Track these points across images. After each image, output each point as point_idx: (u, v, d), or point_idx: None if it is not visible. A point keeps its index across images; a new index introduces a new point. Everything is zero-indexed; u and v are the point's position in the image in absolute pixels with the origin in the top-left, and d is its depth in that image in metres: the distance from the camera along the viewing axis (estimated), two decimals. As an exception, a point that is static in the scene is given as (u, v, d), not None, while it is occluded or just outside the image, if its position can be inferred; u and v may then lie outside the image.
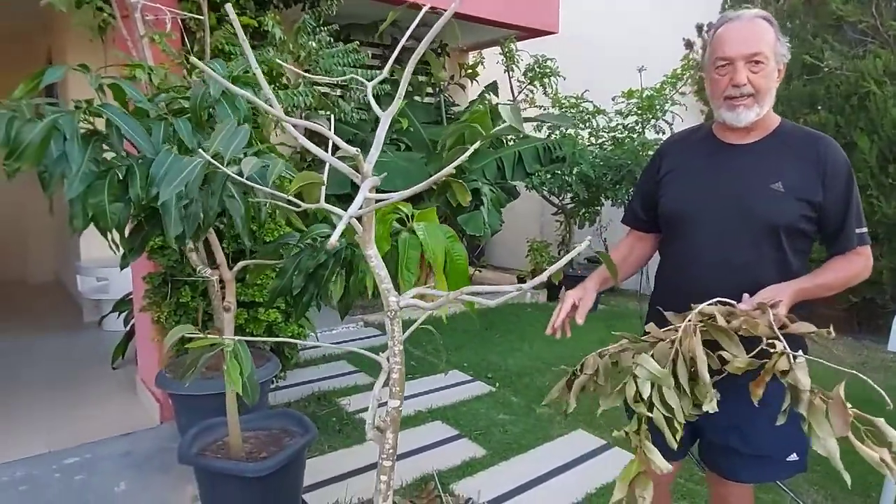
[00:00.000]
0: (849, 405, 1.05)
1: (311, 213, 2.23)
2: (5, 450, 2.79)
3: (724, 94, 1.50)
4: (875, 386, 1.06)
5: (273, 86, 1.89)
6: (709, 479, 1.79)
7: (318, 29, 2.88)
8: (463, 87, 6.29)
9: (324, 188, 1.41)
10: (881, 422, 1.02)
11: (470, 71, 5.93)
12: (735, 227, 1.53)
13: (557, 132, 5.52)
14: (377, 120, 1.21)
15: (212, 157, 1.34)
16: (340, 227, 1.02)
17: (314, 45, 2.72)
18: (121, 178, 1.63)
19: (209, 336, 1.35)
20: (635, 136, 5.58)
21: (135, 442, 2.91)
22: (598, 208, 5.90)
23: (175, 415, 2.79)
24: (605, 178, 5.42)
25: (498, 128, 1.12)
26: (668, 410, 1.18)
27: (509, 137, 5.43)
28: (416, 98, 5.58)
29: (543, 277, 1.21)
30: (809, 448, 1.51)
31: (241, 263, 2.00)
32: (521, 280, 6.63)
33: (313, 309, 2.10)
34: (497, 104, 5.69)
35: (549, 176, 5.39)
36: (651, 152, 5.43)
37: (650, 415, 1.19)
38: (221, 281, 2.69)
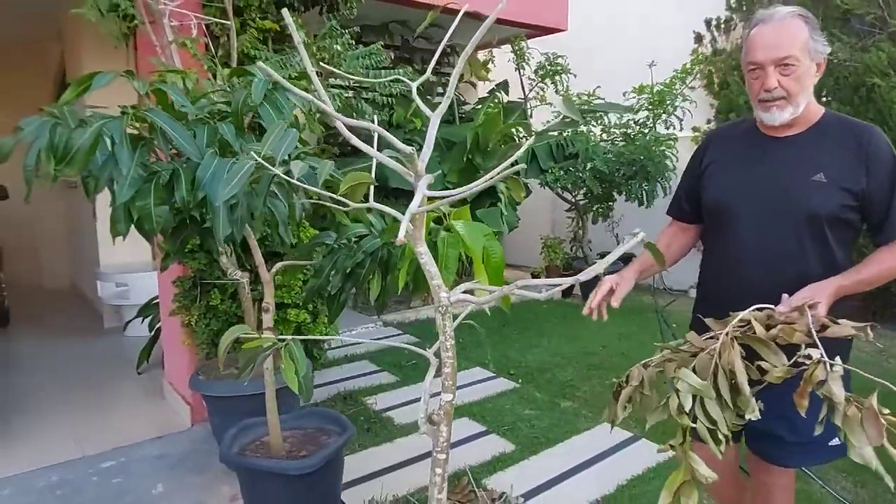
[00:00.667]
0: (886, 410, 1.05)
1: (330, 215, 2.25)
2: (38, 455, 2.83)
3: (758, 96, 1.53)
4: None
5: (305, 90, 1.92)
6: (752, 467, 1.80)
7: (341, 32, 2.91)
8: (474, 85, 6.31)
9: (372, 188, 1.43)
10: None
11: (475, 72, 5.95)
12: (777, 218, 1.54)
13: (569, 129, 5.53)
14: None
15: (262, 160, 1.36)
16: (405, 224, 1.04)
17: (339, 47, 2.75)
18: (165, 181, 1.66)
19: (265, 336, 1.37)
20: (647, 131, 5.59)
21: (168, 445, 2.94)
22: (611, 203, 5.91)
23: (209, 416, 2.82)
24: (617, 173, 5.43)
25: (556, 121, 1.14)
26: (711, 423, 1.19)
27: (521, 135, 5.45)
28: (428, 97, 5.61)
29: (598, 269, 1.23)
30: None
31: (279, 265, 2.03)
32: (536, 277, 6.65)
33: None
34: (508, 102, 5.71)
35: (562, 172, 5.40)
36: (663, 147, 5.44)
37: (694, 425, 1.19)
38: (251, 283, 2.73)
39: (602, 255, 6.56)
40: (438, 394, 1.40)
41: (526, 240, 7.23)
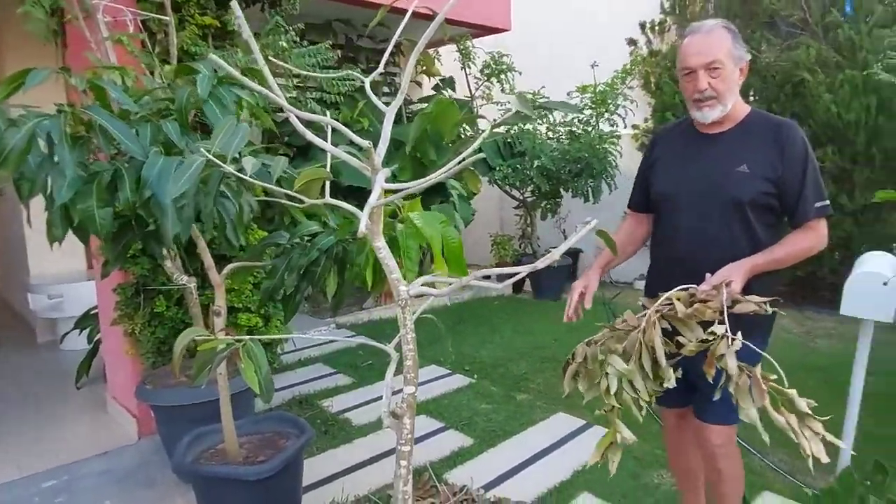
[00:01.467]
0: (773, 376, 1.23)
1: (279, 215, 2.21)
2: (-28, 478, 2.66)
3: (692, 97, 1.73)
4: (774, 363, 1.25)
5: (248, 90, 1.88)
6: (697, 435, 1.91)
7: (286, 29, 2.85)
8: (419, 84, 6.31)
9: (328, 184, 1.42)
10: (793, 392, 1.19)
11: (425, 69, 5.95)
12: (709, 206, 1.74)
13: (516, 127, 5.61)
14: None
15: (212, 157, 1.32)
16: (365, 217, 1.04)
17: (284, 44, 2.70)
18: (107, 182, 1.60)
19: (221, 337, 1.34)
20: (590, 129, 5.73)
21: (113, 460, 2.81)
22: (559, 200, 6.03)
23: (158, 427, 2.72)
24: (564, 170, 5.55)
25: (509, 114, 1.16)
26: (634, 392, 1.39)
27: (469, 133, 5.49)
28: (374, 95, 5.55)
29: (554, 256, 1.26)
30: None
31: (230, 266, 1.97)
32: (486, 275, 6.70)
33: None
34: (454, 99, 5.73)
35: (510, 170, 5.47)
36: (607, 144, 5.60)
37: (618, 405, 1.39)
38: (198, 287, 2.65)
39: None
40: (400, 390, 1.39)
41: (475, 238, 7.29)
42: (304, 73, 1.27)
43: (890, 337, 4.69)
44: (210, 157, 1.29)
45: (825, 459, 1.08)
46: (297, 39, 3.00)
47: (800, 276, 5.39)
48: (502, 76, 5.56)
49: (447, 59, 5.83)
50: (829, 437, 1.10)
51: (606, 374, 1.41)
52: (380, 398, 3.52)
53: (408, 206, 1.85)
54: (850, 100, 4.89)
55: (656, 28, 6.44)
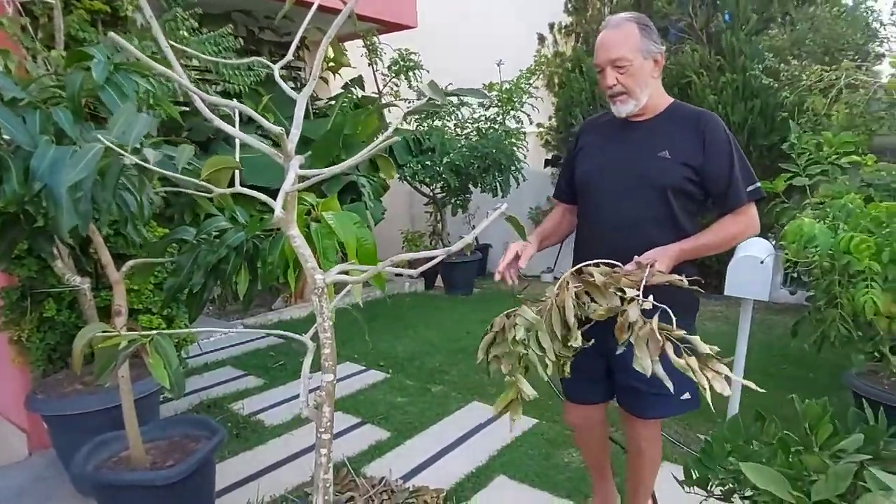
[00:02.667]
0: (675, 330, 1.30)
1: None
2: None
3: (606, 93, 1.76)
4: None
5: (147, 77, 1.78)
6: (622, 419, 2.03)
7: (185, 16, 2.73)
8: (326, 80, 6.22)
9: (238, 173, 1.39)
10: (696, 339, 1.28)
11: (332, 64, 5.88)
12: (631, 190, 1.76)
13: (425, 124, 5.68)
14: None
15: (111, 145, 1.26)
16: (280, 202, 1.04)
17: (185, 32, 2.57)
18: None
19: (125, 333, 1.28)
20: (497, 126, 5.90)
21: (1, 478, 2.58)
22: (468, 196, 6.16)
23: (52, 440, 2.53)
24: (472, 166, 5.68)
25: (419, 103, 1.20)
26: (541, 350, 1.43)
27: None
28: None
29: (467, 239, 1.32)
30: (699, 388, 1.79)
31: (130, 263, 1.88)
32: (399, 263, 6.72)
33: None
34: (363, 96, 5.70)
35: (420, 167, 5.53)
36: (513, 141, 5.79)
37: (524, 351, 1.43)
38: (93, 289, 2.49)
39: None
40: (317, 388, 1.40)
41: (387, 235, 7.29)
42: (209, 59, 1.24)
43: (766, 317, 5.20)
44: (109, 144, 1.23)
45: (728, 392, 1.18)
46: (196, 27, 2.88)
47: (709, 268, 5.82)
48: (410, 74, 5.60)
49: (354, 56, 5.79)
50: (732, 375, 1.20)
51: (515, 324, 1.45)
52: (294, 398, 3.48)
53: (322, 204, 1.84)
54: (732, 101, 5.34)
55: (562, 30, 6.72)
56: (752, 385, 1.11)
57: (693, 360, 1.21)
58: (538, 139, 6.69)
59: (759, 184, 1.77)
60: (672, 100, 1.83)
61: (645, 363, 1.27)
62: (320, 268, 1.74)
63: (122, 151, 1.23)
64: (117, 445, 2.05)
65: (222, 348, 4.37)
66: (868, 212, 1.89)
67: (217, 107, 1.26)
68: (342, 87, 5.80)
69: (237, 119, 1.28)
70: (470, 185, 6.01)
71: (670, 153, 1.72)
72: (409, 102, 6.01)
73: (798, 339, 2.48)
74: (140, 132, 1.31)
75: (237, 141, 1.31)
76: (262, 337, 4.68)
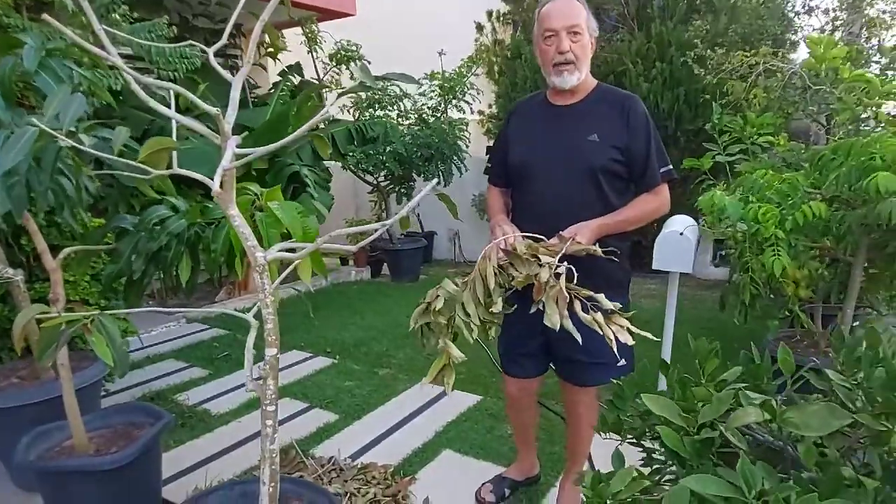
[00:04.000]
0: (584, 292, 1.45)
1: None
2: None
3: (552, 62, 1.83)
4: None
5: (81, 65, 1.76)
6: (563, 389, 2.17)
7: (118, 3, 2.66)
8: (264, 67, 6.13)
9: (175, 154, 1.42)
10: (601, 297, 1.43)
11: (270, 50, 5.80)
12: (563, 171, 1.87)
13: (367, 114, 5.69)
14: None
15: (46, 128, 1.27)
16: (218, 178, 1.08)
17: (117, 16, 2.51)
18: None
19: (67, 314, 1.29)
20: (439, 115, 5.98)
21: (-70, 480, 2.50)
22: (412, 184, 6.23)
23: (-16, 436, 2.46)
24: (415, 155, 5.74)
25: (350, 86, 1.26)
26: (466, 316, 1.56)
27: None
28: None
29: (402, 213, 1.40)
30: (634, 355, 1.93)
31: (67, 250, 1.86)
32: (344, 260, 6.75)
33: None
34: (301, 81, 5.65)
35: (363, 156, 5.55)
36: (456, 130, 5.88)
37: (444, 321, 1.58)
38: (26, 281, 2.44)
39: (406, 235, 6.90)
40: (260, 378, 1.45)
41: (331, 223, 7.28)
42: (142, 42, 1.26)
43: (697, 293, 5.50)
44: (44, 127, 1.24)
45: (631, 342, 1.33)
46: (128, 13, 2.81)
47: (630, 247, 6.08)
48: (351, 63, 5.60)
49: (294, 45, 5.73)
50: (635, 330, 1.33)
51: (438, 295, 1.58)
52: (240, 386, 3.48)
53: (266, 194, 1.87)
54: (662, 90, 5.59)
55: (501, 18, 6.84)
56: (649, 335, 1.26)
57: (599, 316, 1.34)
58: (480, 127, 6.80)
59: (671, 166, 1.92)
60: (597, 82, 1.94)
61: (554, 319, 1.39)
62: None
63: (57, 134, 1.24)
64: (59, 435, 2.03)
65: (164, 342, 4.30)
66: (772, 184, 2.07)
67: (152, 91, 1.29)
68: (279, 74, 5.73)
69: (173, 102, 1.31)
70: (413, 174, 6.08)
71: (599, 136, 1.84)
72: (352, 93, 6.01)
73: (726, 312, 2.67)
74: (75, 114, 1.32)
75: (174, 123, 1.34)
76: (205, 329, 4.64)
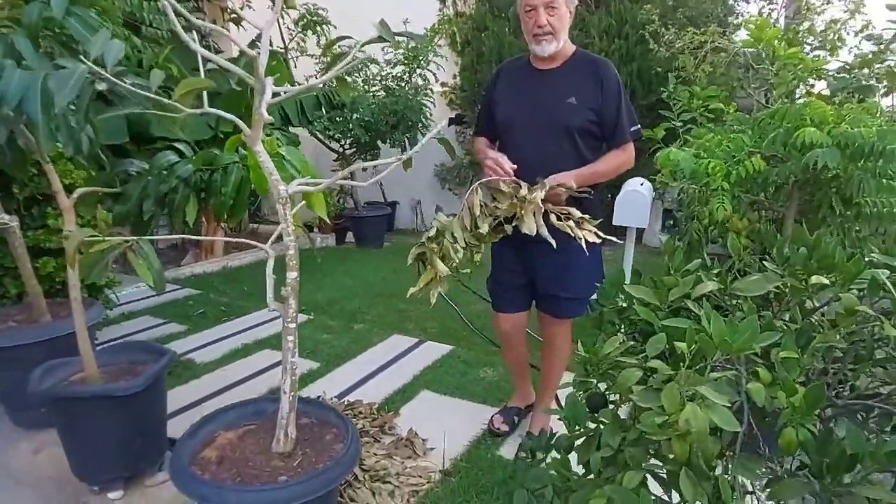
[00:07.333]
0: (560, 212, 1.74)
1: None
2: None
3: (532, 32, 2.05)
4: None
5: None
6: (542, 323, 2.43)
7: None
8: (228, 31, 6.10)
9: (206, 94, 1.57)
10: (574, 210, 1.73)
11: (234, 16, 5.78)
12: (544, 130, 2.10)
13: (333, 80, 5.75)
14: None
15: (93, 66, 1.40)
16: (264, 105, 1.24)
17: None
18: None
19: (110, 238, 1.44)
20: (404, 83, 6.11)
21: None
22: (377, 152, 6.36)
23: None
24: (381, 122, 5.87)
25: (368, 39, 1.43)
26: (454, 240, 1.77)
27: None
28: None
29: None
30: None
31: (80, 190, 1.97)
32: (309, 227, 6.84)
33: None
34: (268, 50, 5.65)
35: (330, 122, 5.64)
36: (420, 98, 6.02)
37: (434, 247, 1.78)
38: (21, 227, 2.51)
39: (369, 203, 7.04)
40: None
41: (295, 193, 7.33)
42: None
43: (649, 259, 5.88)
44: (92, 66, 1.37)
45: (598, 240, 1.64)
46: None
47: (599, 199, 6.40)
48: (318, 28, 5.65)
49: (260, 8, 5.73)
50: (602, 235, 1.63)
51: (432, 226, 1.80)
52: (221, 339, 3.62)
53: (268, 142, 2.03)
54: (618, 65, 5.87)
55: (462, -9, 6.96)
56: (614, 238, 1.54)
57: (571, 223, 1.61)
58: (443, 98, 6.96)
59: (639, 125, 2.19)
60: (575, 48, 2.17)
61: (531, 226, 1.67)
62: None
63: (103, 73, 1.38)
64: (69, 369, 2.14)
65: (138, 300, 4.35)
66: (721, 142, 2.36)
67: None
68: (250, 44, 5.73)
69: (197, 43, 1.45)
70: (378, 142, 6.20)
71: (577, 99, 2.07)
72: (316, 58, 6.06)
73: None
74: (116, 56, 1.44)
75: (199, 58, 1.49)
76: (178, 289, 4.70)
